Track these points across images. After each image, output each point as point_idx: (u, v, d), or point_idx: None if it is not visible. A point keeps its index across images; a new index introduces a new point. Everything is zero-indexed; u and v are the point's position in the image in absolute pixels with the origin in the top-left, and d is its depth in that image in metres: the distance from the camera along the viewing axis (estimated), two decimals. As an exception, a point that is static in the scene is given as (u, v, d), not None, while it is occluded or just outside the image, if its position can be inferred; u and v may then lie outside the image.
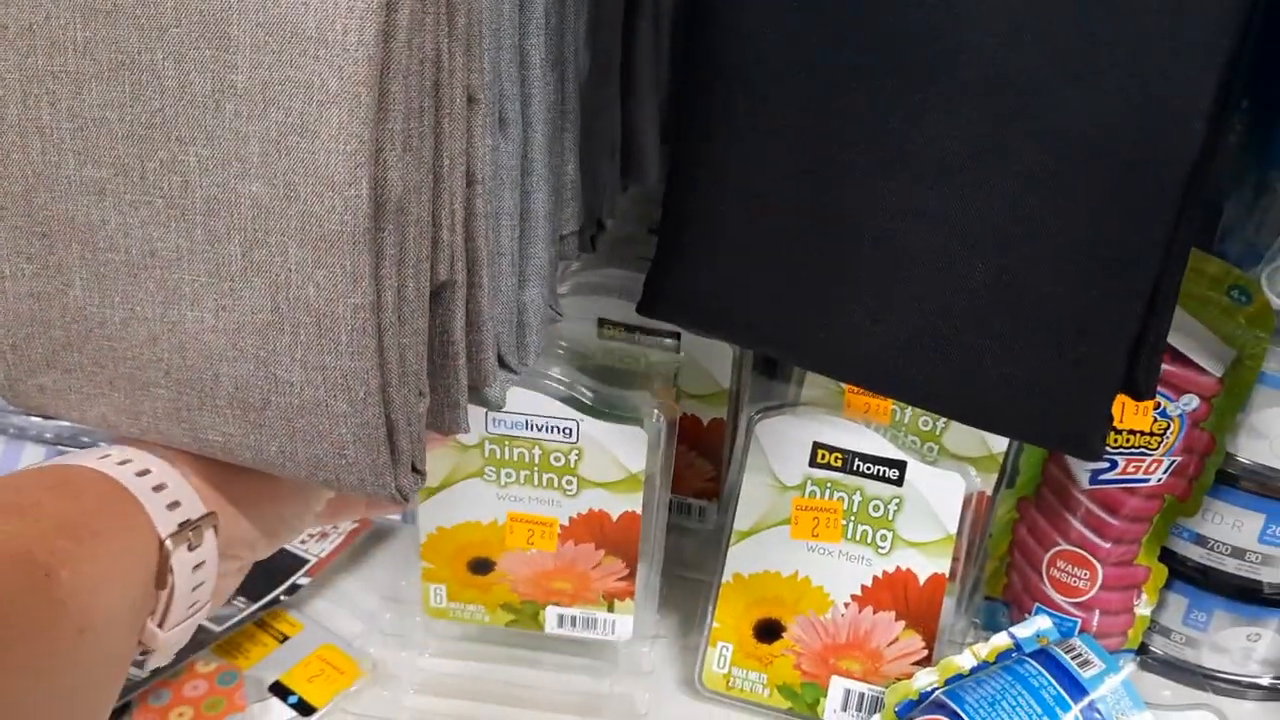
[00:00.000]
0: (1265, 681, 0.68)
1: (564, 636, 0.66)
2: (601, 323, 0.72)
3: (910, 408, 0.65)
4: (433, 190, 0.38)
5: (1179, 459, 0.62)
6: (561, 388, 0.62)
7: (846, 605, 0.64)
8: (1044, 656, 0.59)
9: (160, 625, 0.36)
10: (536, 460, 0.62)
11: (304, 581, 0.70)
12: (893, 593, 0.63)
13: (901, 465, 0.63)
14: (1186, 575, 0.66)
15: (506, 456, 0.62)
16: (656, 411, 0.63)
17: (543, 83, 0.45)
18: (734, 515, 0.65)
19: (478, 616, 0.66)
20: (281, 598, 0.69)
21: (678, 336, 0.71)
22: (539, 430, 0.61)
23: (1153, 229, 0.41)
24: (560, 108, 0.50)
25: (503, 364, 0.48)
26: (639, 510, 0.63)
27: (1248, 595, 0.65)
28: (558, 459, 0.62)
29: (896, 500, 0.63)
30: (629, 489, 0.62)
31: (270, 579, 0.69)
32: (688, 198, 0.49)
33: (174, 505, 0.37)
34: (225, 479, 0.39)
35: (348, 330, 0.36)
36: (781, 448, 0.64)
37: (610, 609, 0.65)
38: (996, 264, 0.42)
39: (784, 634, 0.64)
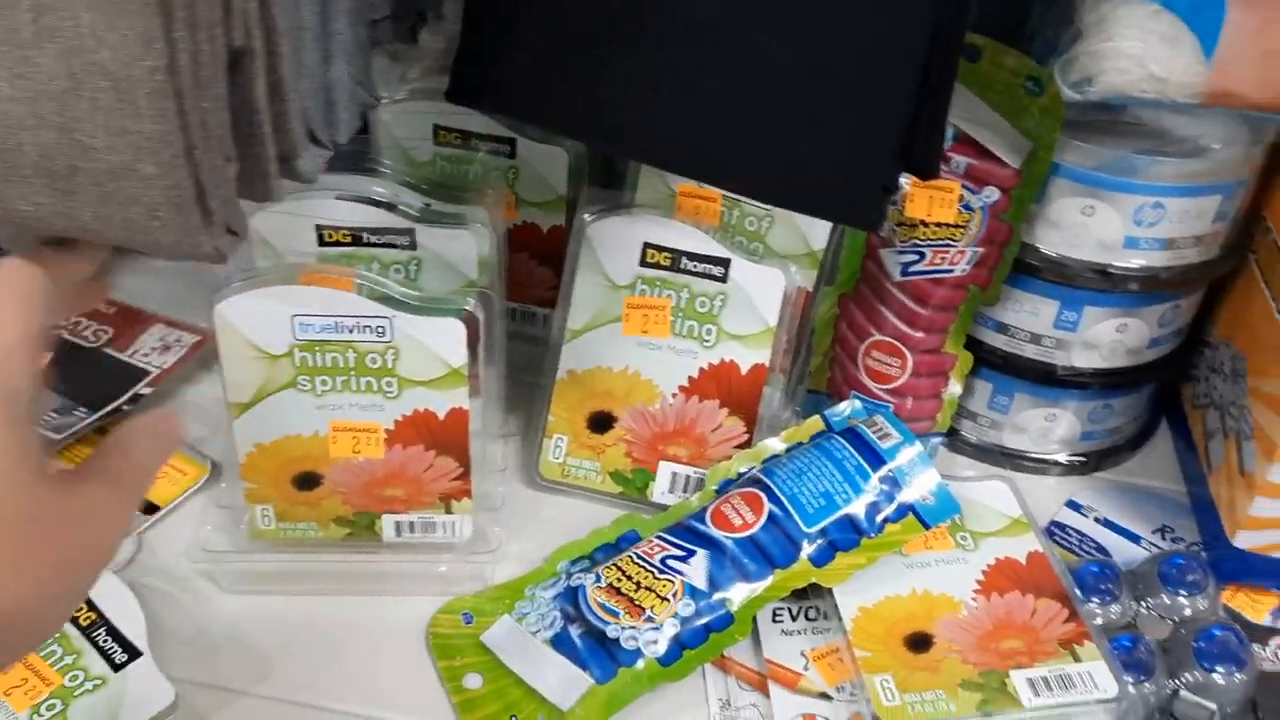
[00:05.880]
0: (1062, 459, 0.74)
1: (404, 544, 0.62)
2: (437, 130, 0.72)
3: (737, 208, 0.68)
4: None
5: (981, 250, 0.65)
6: (370, 284, 0.57)
7: (674, 396, 0.67)
8: (850, 433, 0.64)
9: None
10: (352, 364, 0.57)
11: (146, 391, 0.71)
12: (717, 383, 0.67)
13: (726, 263, 0.65)
14: (990, 362, 0.71)
15: (320, 363, 0.57)
16: (484, 221, 0.64)
17: None
18: (567, 315, 0.67)
19: (310, 533, 0.62)
20: (124, 408, 0.69)
21: (512, 143, 0.72)
22: (350, 331, 0.56)
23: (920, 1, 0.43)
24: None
25: (315, 140, 0.49)
26: (466, 406, 0.58)
27: (1044, 378, 0.70)
28: (374, 360, 0.57)
29: (721, 296, 0.66)
30: (453, 384, 0.58)
31: (112, 389, 0.70)
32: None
33: None
34: None
35: (146, 94, 0.37)
36: (613, 248, 0.66)
37: (449, 510, 0.62)
38: (775, 32, 0.44)
39: (615, 425, 0.68)
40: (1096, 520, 0.71)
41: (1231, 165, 0.63)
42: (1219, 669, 0.58)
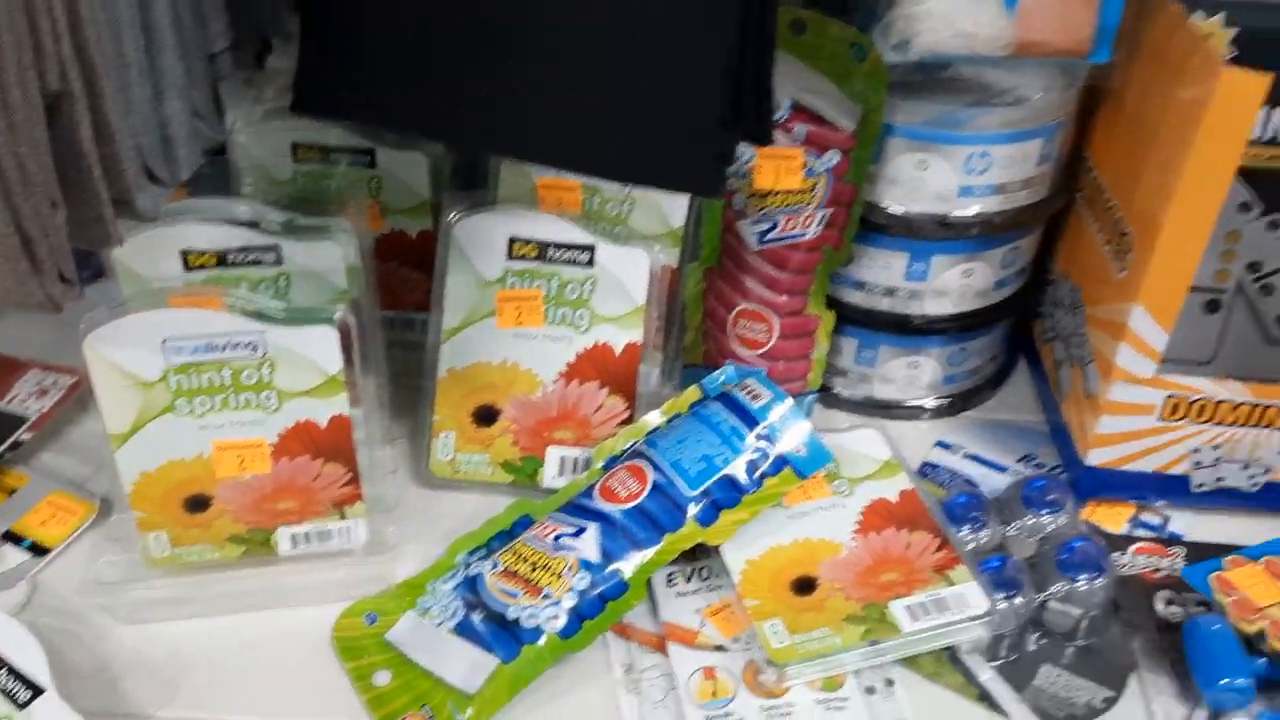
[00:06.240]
0: (930, 403, 0.78)
1: (301, 555, 0.63)
2: (295, 147, 0.73)
3: (597, 195, 0.70)
4: (24, -1, 0.38)
5: (829, 211, 0.69)
6: (240, 302, 0.58)
7: (554, 382, 0.69)
8: (724, 398, 0.67)
9: None
10: (228, 381, 0.58)
11: (26, 437, 0.70)
12: (594, 365, 0.69)
13: (591, 248, 0.68)
14: (853, 318, 0.74)
15: (196, 385, 0.58)
16: (348, 230, 0.65)
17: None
18: (442, 315, 0.69)
19: (207, 555, 0.63)
20: (4, 455, 0.69)
21: (371, 153, 0.73)
22: (222, 350, 0.57)
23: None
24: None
25: (154, 178, 0.50)
26: (347, 412, 0.60)
27: (903, 328, 0.74)
28: (250, 376, 0.58)
29: (590, 281, 0.68)
30: (331, 392, 0.59)
31: (-12, 439, 0.69)
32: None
33: None
34: None
35: None
36: (480, 245, 0.68)
37: (342, 516, 0.63)
38: (593, 18, 0.46)
39: (500, 416, 0.69)
40: (965, 456, 0.75)
41: (1048, 110, 0.68)
42: (1081, 577, 0.62)
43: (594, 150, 0.50)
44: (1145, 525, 0.70)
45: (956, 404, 0.78)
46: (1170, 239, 0.60)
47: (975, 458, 0.75)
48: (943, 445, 0.76)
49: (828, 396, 0.78)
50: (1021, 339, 0.82)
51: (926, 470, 0.73)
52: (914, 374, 0.76)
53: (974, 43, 0.62)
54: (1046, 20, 0.62)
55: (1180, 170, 0.58)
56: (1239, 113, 0.56)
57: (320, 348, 0.58)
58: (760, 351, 0.73)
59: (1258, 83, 0.55)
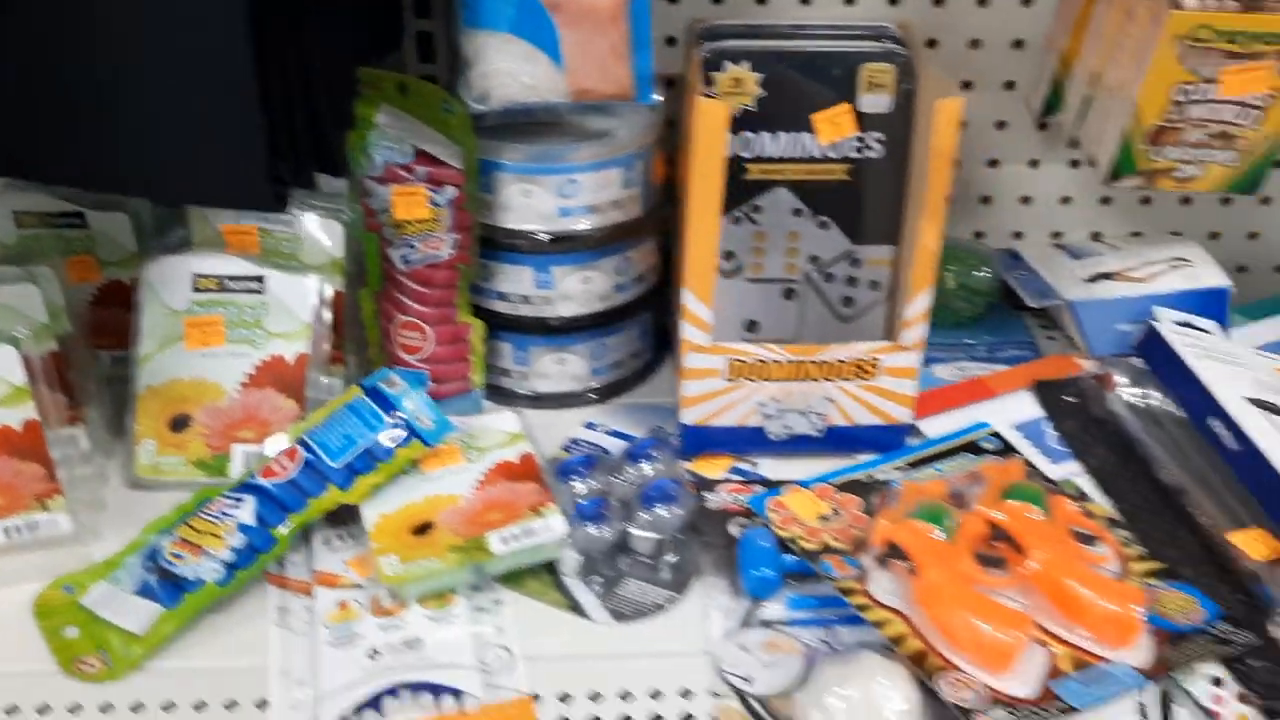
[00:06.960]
0: (582, 392, 0.93)
1: (13, 545, 0.74)
2: (17, 215, 0.86)
3: (270, 236, 0.85)
4: None
5: (458, 235, 0.84)
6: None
7: (238, 392, 0.83)
8: (373, 392, 0.81)
9: None
10: None
11: None
12: (270, 374, 0.83)
13: (260, 278, 0.82)
14: (503, 324, 0.90)
15: None
16: (49, 276, 0.79)
17: None
18: (140, 342, 0.83)
19: None
20: None
21: (81, 215, 0.87)
22: None
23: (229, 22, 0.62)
24: None
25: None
26: (36, 417, 0.73)
27: (544, 330, 0.89)
28: None
29: (263, 305, 0.82)
30: (18, 401, 0.72)
31: None
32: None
33: None
34: None
35: None
36: (170, 283, 0.82)
37: (45, 509, 0.75)
38: (138, 77, 0.62)
39: (192, 423, 0.83)
40: (606, 432, 0.90)
41: (624, 144, 0.84)
42: (659, 507, 0.77)
43: (157, 182, 0.66)
44: (740, 471, 0.85)
45: (606, 392, 0.94)
46: (693, 234, 0.76)
47: (614, 433, 0.90)
48: (589, 425, 0.91)
49: (500, 393, 0.93)
50: (667, 336, 0.98)
51: (569, 445, 0.88)
52: (563, 369, 0.92)
53: (538, 92, 0.79)
54: (589, 73, 0.79)
55: (689, 178, 0.75)
56: (712, 130, 0.73)
57: (3, 364, 0.71)
58: (420, 356, 0.88)
59: (722, 109, 0.72)
